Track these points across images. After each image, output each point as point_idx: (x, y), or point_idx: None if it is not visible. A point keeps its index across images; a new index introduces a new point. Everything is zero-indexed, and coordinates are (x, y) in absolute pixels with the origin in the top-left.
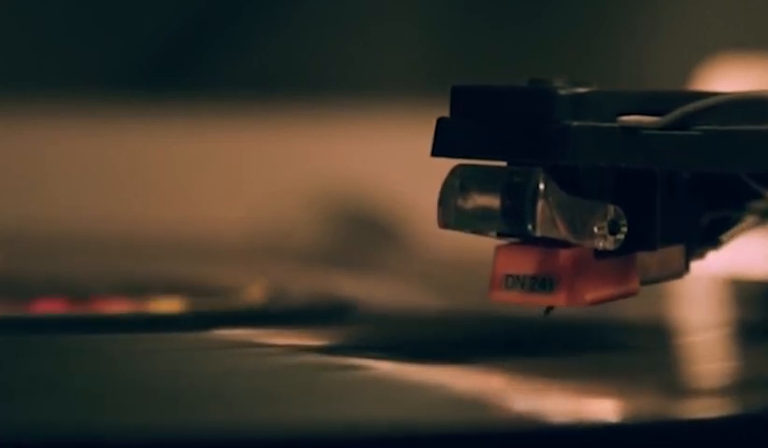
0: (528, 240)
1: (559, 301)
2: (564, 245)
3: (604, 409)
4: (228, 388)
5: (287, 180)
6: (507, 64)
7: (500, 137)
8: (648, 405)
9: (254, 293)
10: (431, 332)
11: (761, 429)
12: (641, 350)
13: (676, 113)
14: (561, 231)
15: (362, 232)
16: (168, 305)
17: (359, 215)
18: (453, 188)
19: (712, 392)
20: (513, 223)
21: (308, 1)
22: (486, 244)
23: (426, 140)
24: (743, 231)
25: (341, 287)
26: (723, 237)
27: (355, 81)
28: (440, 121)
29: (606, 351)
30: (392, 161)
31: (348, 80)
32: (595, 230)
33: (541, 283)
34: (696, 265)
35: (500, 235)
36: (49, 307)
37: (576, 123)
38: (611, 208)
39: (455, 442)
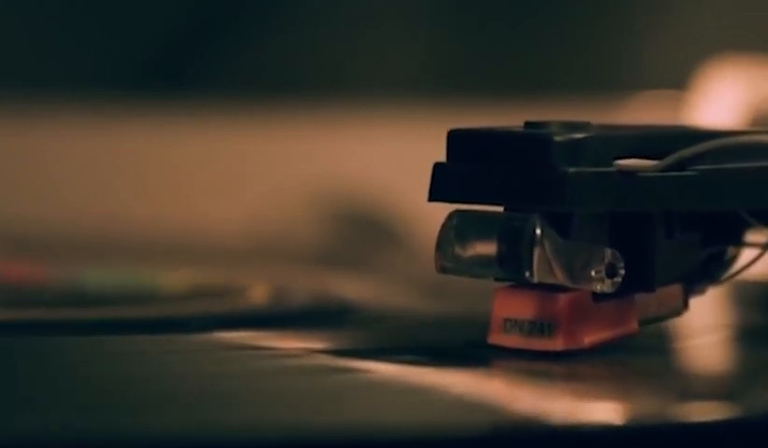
0: (526, 283)
1: (557, 346)
2: (563, 288)
3: (604, 411)
4: (228, 390)
5: (287, 180)
6: (507, 64)
7: (496, 183)
8: (649, 407)
9: (255, 294)
10: (431, 333)
11: (761, 431)
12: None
13: (674, 157)
14: (559, 277)
15: (363, 233)
16: (168, 306)
17: (359, 215)
18: (450, 233)
19: (712, 394)
20: (510, 269)
21: (309, 1)
22: None
23: (426, 140)
24: (742, 267)
25: (341, 288)
26: (722, 275)
27: (355, 81)
28: (437, 166)
29: (607, 353)
30: (392, 161)
31: (348, 80)
32: (593, 273)
33: (540, 327)
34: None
35: (498, 280)
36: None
37: (572, 169)
38: (608, 251)
39: (456, 444)
